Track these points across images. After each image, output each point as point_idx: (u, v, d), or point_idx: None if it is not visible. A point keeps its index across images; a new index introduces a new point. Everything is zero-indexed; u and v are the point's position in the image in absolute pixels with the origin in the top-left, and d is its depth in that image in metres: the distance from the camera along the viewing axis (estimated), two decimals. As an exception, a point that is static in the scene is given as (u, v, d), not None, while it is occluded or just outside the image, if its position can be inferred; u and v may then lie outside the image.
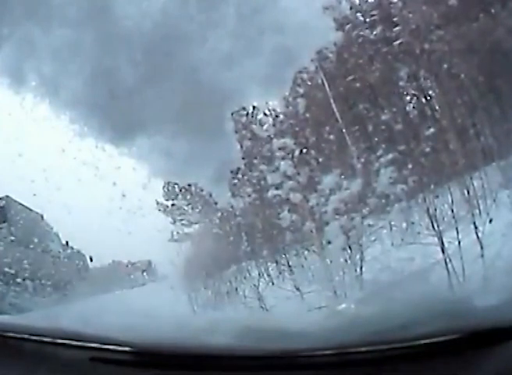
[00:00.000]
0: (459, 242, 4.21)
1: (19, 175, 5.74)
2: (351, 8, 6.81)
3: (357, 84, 6.39)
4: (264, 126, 6.77)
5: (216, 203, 7.59)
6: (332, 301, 4.34)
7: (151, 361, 1.46)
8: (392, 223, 5.63)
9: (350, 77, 6.47)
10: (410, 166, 5.23)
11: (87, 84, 6.33)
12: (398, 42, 6.04)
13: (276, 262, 6.45)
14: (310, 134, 6.00)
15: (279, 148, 5.58)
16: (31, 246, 7.19)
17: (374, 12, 6.64)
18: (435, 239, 4.33)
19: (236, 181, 6.98)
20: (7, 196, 7.18)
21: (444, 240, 4.29)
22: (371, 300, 3.88)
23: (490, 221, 4.32)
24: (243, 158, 6.74)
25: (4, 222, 7.17)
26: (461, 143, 5.87)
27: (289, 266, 6.14)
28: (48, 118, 6.38)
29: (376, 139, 5.88)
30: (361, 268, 4.81)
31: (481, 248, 4.11)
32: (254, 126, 6.91)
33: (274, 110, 7.04)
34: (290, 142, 5.64)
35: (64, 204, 5.73)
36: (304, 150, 5.76)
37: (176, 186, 8.01)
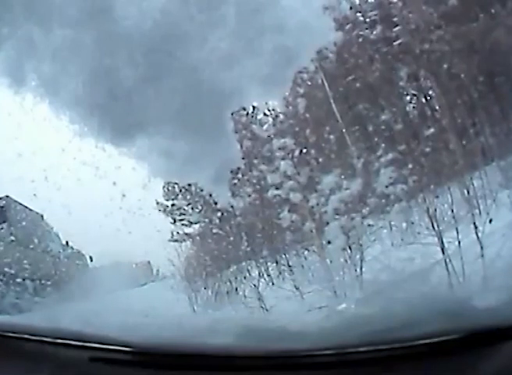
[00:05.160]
0: (459, 242, 4.21)
1: (19, 175, 5.74)
2: (351, 8, 6.81)
3: (357, 84, 6.39)
4: (264, 126, 6.78)
5: (216, 203, 7.59)
6: (332, 301, 4.34)
7: (151, 361, 1.46)
8: (392, 223, 5.62)
9: (350, 77, 6.47)
10: (410, 166, 5.22)
11: (87, 84, 6.34)
12: (398, 42, 6.04)
13: (276, 262, 6.45)
14: (310, 134, 6.00)
15: (279, 148, 5.58)
16: (31, 246, 7.19)
17: (374, 12, 6.64)
18: (435, 239, 4.32)
19: (236, 181, 6.98)
20: (7, 196, 7.17)
21: (444, 240, 4.29)
22: (371, 300, 3.88)
23: (490, 221, 4.31)
24: (243, 158, 6.74)
25: (4, 222, 7.16)
26: (461, 143, 5.87)
27: (289, 266, 6.13)
28: (48, 118, 6.39)
29: (376, 139, 5.88)
30: (361, 268, 4.80)
31: (481, 248, 4.10)
32: (254, 126, 6.91)
33: (274, 110, 7.06)
34: (290, 142, 5.64)
35: (64, 204, 5.73)
36: (304, 150, 5.76)
37: (175, 186, 8.01)
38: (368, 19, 6.71)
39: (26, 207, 7.34)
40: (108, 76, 6.35)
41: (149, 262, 9.16)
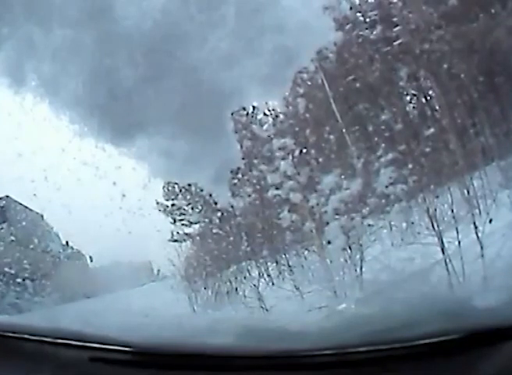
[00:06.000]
0: (459, 242, 4.21)
1: (19, 175, 5.74)
2: (351, 9, 6.81)
3: (357, 84, 6.39)
4: (264, 126, 6.78)
5: (216, 203, 7.59)
6: (332, 301, 4.34)
7: (151, 361, 1.46)
8: (392, 223, 5.63)
9: (350, 77, 6.46)
10: (410, 166, 5.22)
11: (87, 84, 6.34)
12: (398, 42, 6.03)
13: (276, 262, 6.45)
14: (310, 134, 5.99)
15: (279, 148, 5.58)
16: (31, 246, 7.19)
17: (374, 12, 6.64)
18: (435, 239, 4.32)
19: (236, 181, 6.98)
20: (7, 196, 7.18)
21: (444, 240, 4.29)
22: (371, 300, 3.88)
23: (490, 221, 4.31)
24: (243, 158, 6.74)
25: (4, 222, 7.17)
26: (461, 143, 5.87)
27: (289, 266, 6.13)
28: (48, 118, 6.40)
29: (376, 139, 5.88)
30: (361, 268, 4.80)
31: (481, 248, 4.10)
32: (254, 126, 6.91)
33: (274, 110, 7.06)
34: (290, 142, 5.64)
35: (64, 204, 5.73)
36: (304, 150, 5.76)
37: (175, 186, 8.01)
38: (368, 19, 6.71)
39: (26, 207, 7.34)
40: (108, 76, 6.36)
41: (149, 262, 9.17)
